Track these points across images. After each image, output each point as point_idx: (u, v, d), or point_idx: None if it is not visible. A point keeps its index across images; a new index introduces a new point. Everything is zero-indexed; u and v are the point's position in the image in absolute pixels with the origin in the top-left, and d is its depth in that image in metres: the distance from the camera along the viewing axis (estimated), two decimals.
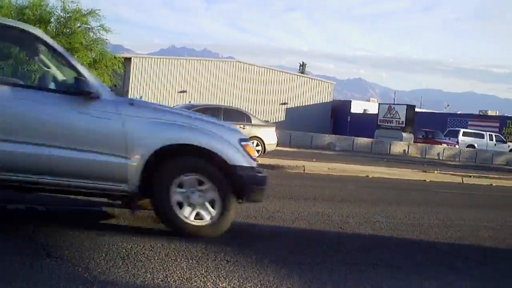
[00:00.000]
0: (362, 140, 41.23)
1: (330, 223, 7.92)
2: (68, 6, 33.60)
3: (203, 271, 4.75)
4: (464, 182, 18.99)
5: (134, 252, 5.08)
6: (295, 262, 5.47)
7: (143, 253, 5.10)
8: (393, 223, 8.39)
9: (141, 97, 36.74)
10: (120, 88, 51.09)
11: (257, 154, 18.97)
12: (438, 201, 12.46)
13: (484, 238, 7.93)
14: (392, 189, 14.28)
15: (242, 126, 19.02)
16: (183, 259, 5.03)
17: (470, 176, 20.36)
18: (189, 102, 47.67)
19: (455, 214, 10.04)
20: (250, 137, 18.99)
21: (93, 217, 6.57)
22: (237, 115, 19.87)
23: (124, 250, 5.11)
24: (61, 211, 6.82)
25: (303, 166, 17.36)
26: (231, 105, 45.04)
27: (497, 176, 21.49)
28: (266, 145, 19.45)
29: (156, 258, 4.99)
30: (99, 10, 34.36)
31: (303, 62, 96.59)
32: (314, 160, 20.88)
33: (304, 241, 6.64)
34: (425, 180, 18.07)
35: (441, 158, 38.15)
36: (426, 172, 20.28)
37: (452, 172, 21.28)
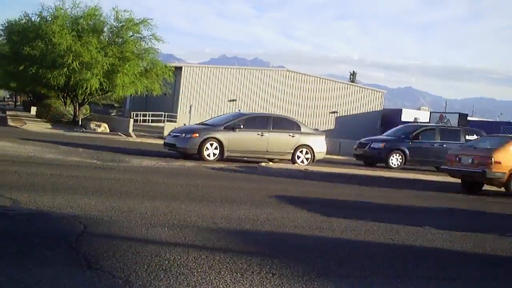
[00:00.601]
0: None
1: (378, 235, 7.53)
2: (121, 15, 34.21)
3: (248, 285, 4.54)
4: None
5: (177, 264, 4.92)
6: (342, 275, 5.22)
7: (186, 265, 4.93)
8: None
9: (190, 107, 36.86)
10: (170, 96, 51.65)
11: (306, 162, 18.81)
12: None
13: None
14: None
15: (291, 134, 18.81)
16: (227, 272, 4.83)
17: None
18: (239, 110, 47.74)
19: None
20: (299, 146, 18.75)
21: (136, 225, 6.44)
22: (286, 124, 19.65)
23: (166, 262, 4.95)
24: (105, 219, 6.71)
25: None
26: (281, 113, 44.85)
27: None
28: (315, 153, 19.20)
29: (199, 270, 4.80)
30: (151, 19, 34.85)
31: (353, 71, 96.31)
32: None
33: (350, 252, 6.33)
34: None
35: None
36: None
37: None
